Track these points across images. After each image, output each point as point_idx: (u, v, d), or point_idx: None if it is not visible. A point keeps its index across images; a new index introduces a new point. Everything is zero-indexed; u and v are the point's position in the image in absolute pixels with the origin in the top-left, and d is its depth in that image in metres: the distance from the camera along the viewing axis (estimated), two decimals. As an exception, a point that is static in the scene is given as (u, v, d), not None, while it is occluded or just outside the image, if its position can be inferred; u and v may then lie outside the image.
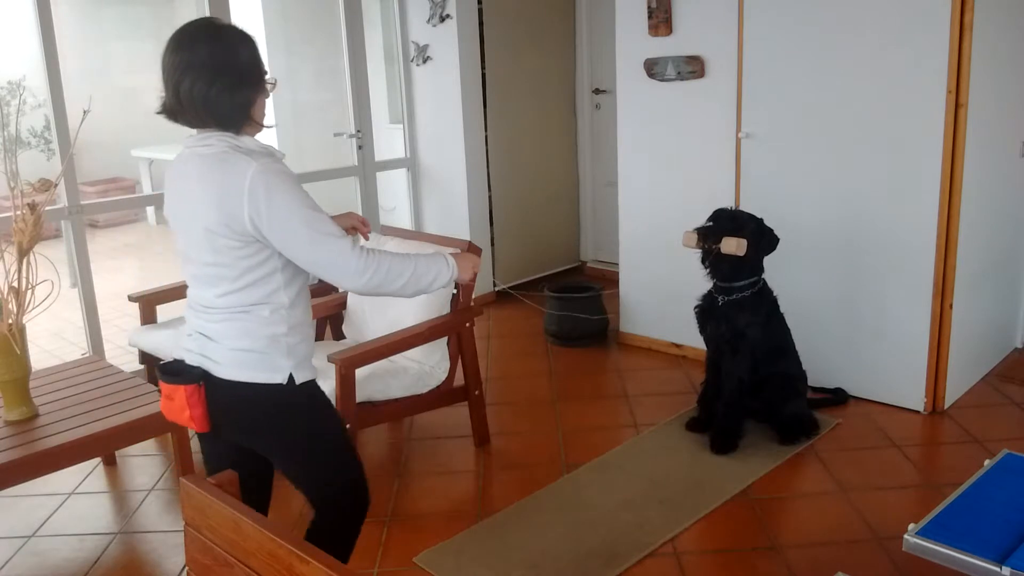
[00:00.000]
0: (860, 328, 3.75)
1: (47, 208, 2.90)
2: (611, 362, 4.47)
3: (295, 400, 2.00)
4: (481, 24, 5.26)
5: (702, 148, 4.13)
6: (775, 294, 3.44)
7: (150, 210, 8.61)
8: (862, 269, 3.70)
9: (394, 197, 5.80)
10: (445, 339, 3.38)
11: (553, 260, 6.04)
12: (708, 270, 3.36)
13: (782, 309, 3.46)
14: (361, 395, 3.03)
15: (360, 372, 3.02)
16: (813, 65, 3.67)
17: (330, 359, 2.96)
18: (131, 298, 3.84)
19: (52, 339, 5.13)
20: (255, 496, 2.15)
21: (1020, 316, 4.34)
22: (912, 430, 3.54)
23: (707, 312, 3.44)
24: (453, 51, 5.13)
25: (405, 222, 5.67)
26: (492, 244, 5.56)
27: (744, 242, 3.18)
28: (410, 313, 3.37)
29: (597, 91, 5.89)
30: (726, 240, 3.20)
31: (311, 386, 2.04)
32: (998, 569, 1.94)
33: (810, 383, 3.62)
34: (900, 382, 3.69)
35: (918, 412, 3.67)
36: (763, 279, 3.39)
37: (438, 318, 3.33)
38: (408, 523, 3.02)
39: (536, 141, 5.79)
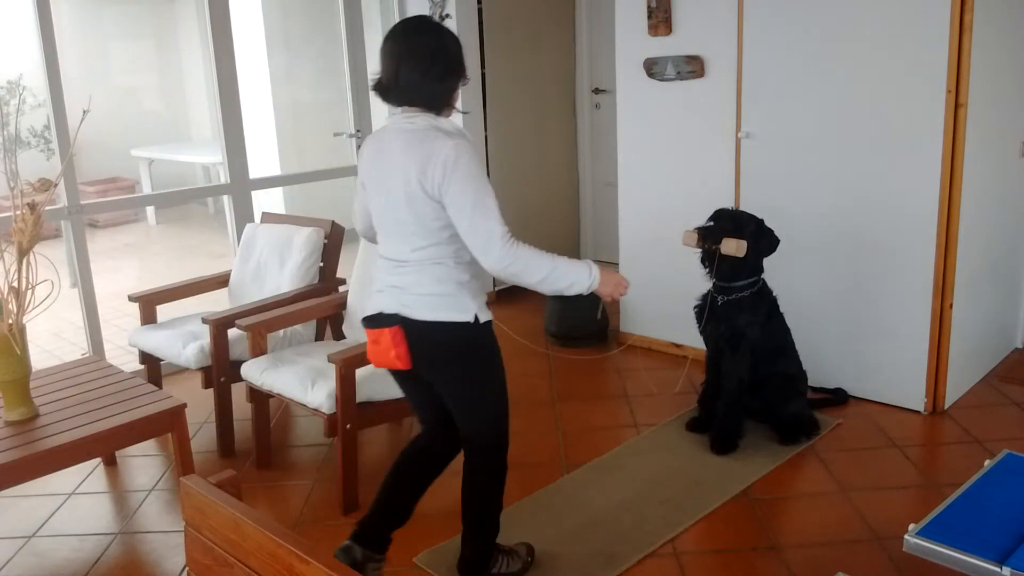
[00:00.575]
0: (860, 328, 3.75)
1: (47, 208, 2.90)
2: (611, 362, 4.47)
3: (479, 335, 2.35)
4: (480, 24, 5.26)
5: (702, 148, 4.13)
6: (775, 294, 3.44)
7: (150, 210, 8.62)
8: (862, 269, 3.70)
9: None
10: (445, 339, 3.38)
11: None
12: (708, 270, 3.36)
13: (782, 309, 3.46)
14: (361, 395, 3.03)
15: (360, 372, 3.02)
16: (813, 65, 3.67)
17: (330, 359, 2.96)
18: (131, 298, 3.84)
19: (52, 339, 5.13)
20: (447, 428, 2.51)
21: (1020, 316, 4.34)
22: (912, 430, 3.54)
23: (707, 312, 3.44)
24: (453, 51, 5.13)
25: (405, 222, 5.66)
26: (492, 244, 5.56)
27: (744, 243, 3.18)
28: (410, 313, 3.37)
29: (597, 91, 5.89)
30: (726, 241, 3.20)
31: (489, 325, 2.38)
32: (998, 569, 1.94)
33: (810, 383, 3.62)
34: (900, 382, 3.69)
35: (918, 412, 3.67)
36: (763, 279, 3.39)
37: (438, 318, 3.33)
38: (408, 523, 3.01)
39: (536, 141, 5.79)
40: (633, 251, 4.54)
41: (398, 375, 2.50)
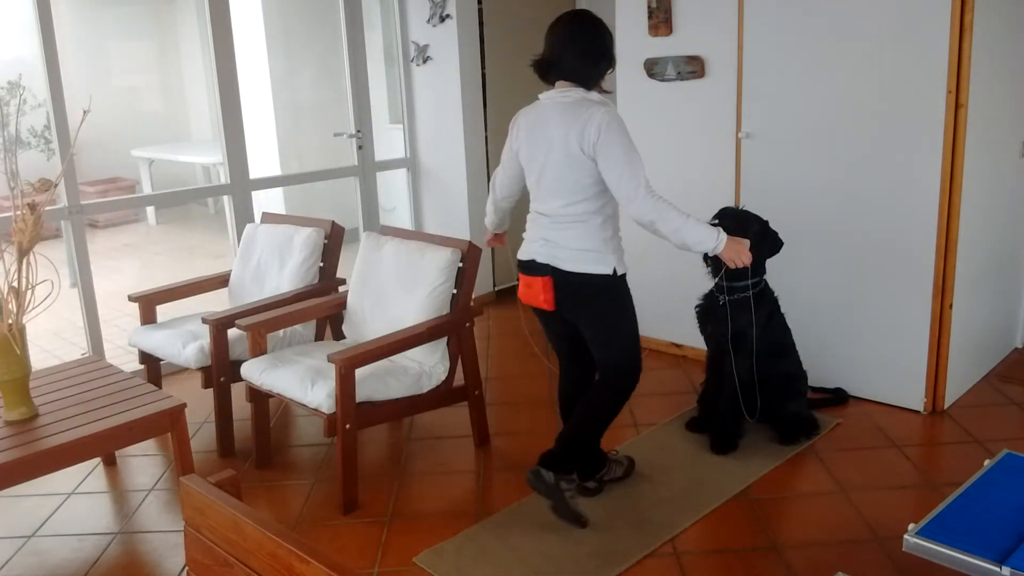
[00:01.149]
0: (860, 328, 3.75)
1: (47, 208, 2.90)
2: (611, 362, 4.46)
3: (616, 285, 2.79)
4: (481, 24, 5.26)
5: (702, 148, 4.13)
6: (776, 295, 3.44)
7: (150, 210, 8.61)
8: (862, 269, 3.70)
9: (394, 197, 5.80)
10: (445, 339, 3.38)
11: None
12: (709, 269, 3.36)
13: (782, 308, 3.46)
14: (361, 395, 3.03)
15: (360, 372, 3.02)
16: (813, 65, 3.67)
17: (330, 359, 2.96)
18: (131, 298, 3.84)
19: (52, 339, 5.13)
20: (583, 356, 2.96)
21: (1020, 316, 4.34)
22: (912, 430, 3.54)
23: (708, 312, 3.44)
24: (453, 51, 5.13)
25: (405, 222, 5.67)
26: (492, 244, 5.56)
27: (747, 243, 3.18)
28: (410, 313, 3.37)
29: (597, 91, 5.88)
30: (729, 239, 3.19)
31: (624, 277, 2.82)
32: (998, 569, 1.94)
33: (810, 383, 3.62)
34: (900, 382, 3.69)
35: (918, 412, 3.67)
36: (764, 280, 3.39)
37: (438, 318, 3.34)
38: (408, 523, 3.02)
39: (536, 141, 5.78)
40: (633, 251, 4.51)
41: (541, 312, 2.92)
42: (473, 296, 3.48)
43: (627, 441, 3.53)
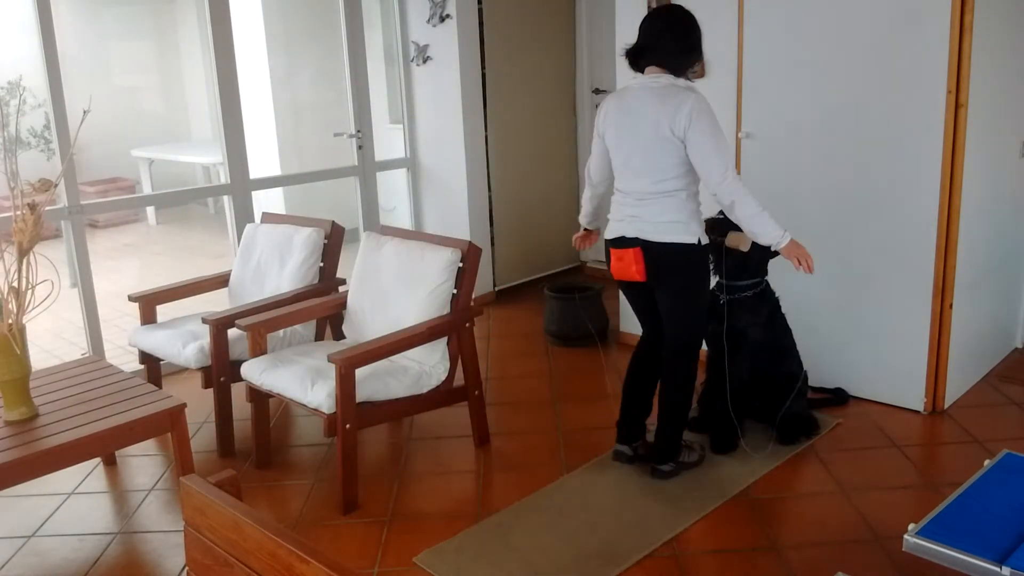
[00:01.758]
0: (860, 328, 3.75)
1: (47, 208, 2.90)
2: (611, 362, 4.47)
3: (700, 254, 2.96)
4: (481, 24, 5.26)
5: (702, 148, 4.12)
6: (777, 295, 3.44)
7: (150, 210, 8.61)
8: (862, 269, 3.70)
9: (394, 197, 5.80)
10: (445, 339, 3.38)
11: (553, 260, 6.04)
12: (712, 265, 3.36)
13: (782, 309, 3.46)
14: (361, 395, 3.03)
15: (360, 372, 3.02)
16: (813, 65, 3.67)
17: (330, 359, 2.96)
18: (131, 298, 3.84)
19: (52, 339, 5.13)
20: (660, 331, 3.14)
21: (1020, 316, 4.34)
22: (912, 430, 3.54)
23: (709, 311, 3.43)
24: (453, 51, 5.13)
25: (405, 222, 5.67)
26: (492, 244, 5.57)
27: (748, 239, 3.18)
28: (410, 313, 3.37)
29: (597, 91, 5.89)
30: (731, 234, 3.20)
31: (707, 248, 3.01)
32: (998, 569, 1.94)
33: (810, 383, 3.62)
34: (900, 382, 3.69)
35: (918, 412, 3.67)
36: (766, 281, 3.39)
37: (438, 318, 3.34)
38: (408, 523, 3.02)
39: (536, 141, 5.79)
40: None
41: (629, 287, 3.14)
42: (473, 296, 3.48)
43: (627, 441, 3.53)
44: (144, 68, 8.84)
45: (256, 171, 4.85)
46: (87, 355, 4.04)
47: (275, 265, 3.92)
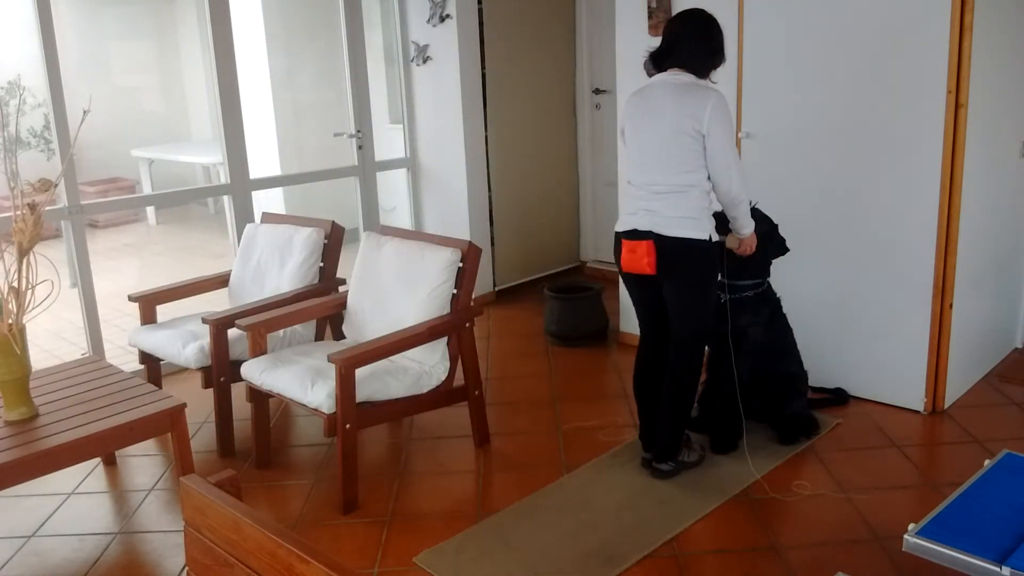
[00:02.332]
0: (860, 328, 3.75)
1: (47, 208, 2.90)
2: (611, 362, 4.47)
3: (710, 250, 2.99)
4: (481, 24, 5.26)
5: (702, 148, 4.12)
6: (778, 296, 3.44)
7: (150, 210, 8.61)
8: (862, 269, 3.70)
9: (394, 197, 5.80)
10: (445, 339, 3.38)
11: (553, 260, 6.04)
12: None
13: (783, 308, 3.46)
14: (361, 395, 3.03)
15: (360, 372, 3.02)
16: (813, 65, 3.67)
17: (330, 359, 2.96)
18: (131, 298, 3.84)
19: (52, 339, 5.13)
20: (659, 329, 3.18)
21: (1020, 316, 4.34)
22: (912, 430, 3.54)
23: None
24: (453, 51, 5.13)
25: (405, 222, 5.67)
26: (492, 244, 5.56)
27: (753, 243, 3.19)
28: (410, 313, 3.37)
29: (597, 91, 5.89)
30: (732, 236, 3.20)
31: (718, 244, 3.04)
32: (998, 569, 1.94)
33: (810, 383, 3.62)
34: (900, 382, 3.69)
35: (918, 412, 3.67)
36: (768, 282, 3.39)
37: (438, 318, 3.34)
38: (408, 523, 3.02)
39: (536, 141, 5.79)
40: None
41: (635, 281, 3.15)
42: (473, 296, 3.48)
43: (627, 441, 3.53)
44: (144, 68, 8.84)
45: (256, 171, 4.86)
46: (87, 355, 4.04)
47: (275, 265, 3.93)
